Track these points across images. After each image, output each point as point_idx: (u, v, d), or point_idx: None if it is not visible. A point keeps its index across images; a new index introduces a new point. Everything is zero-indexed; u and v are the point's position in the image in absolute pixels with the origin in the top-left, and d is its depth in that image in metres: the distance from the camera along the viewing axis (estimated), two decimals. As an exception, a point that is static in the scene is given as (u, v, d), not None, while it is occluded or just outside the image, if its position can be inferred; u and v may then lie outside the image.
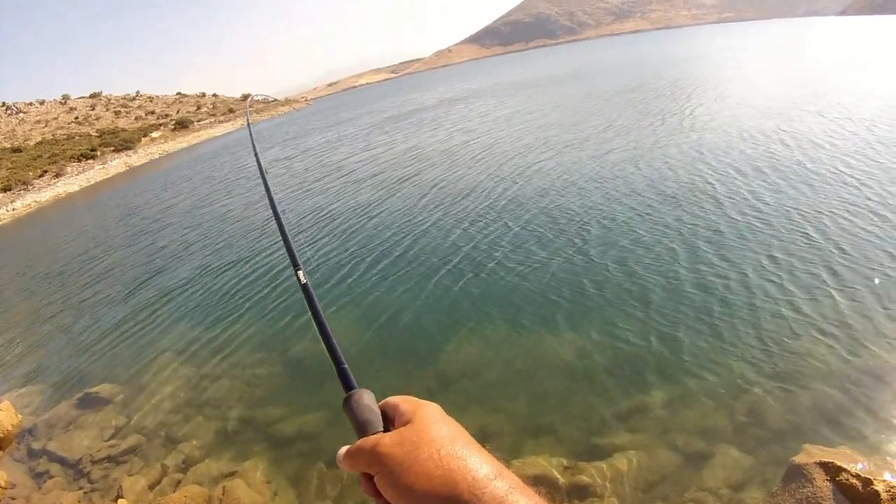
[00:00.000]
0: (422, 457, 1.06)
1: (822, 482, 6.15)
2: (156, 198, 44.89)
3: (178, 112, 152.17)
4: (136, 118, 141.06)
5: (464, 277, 14.71)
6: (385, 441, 1.13)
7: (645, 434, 8.37)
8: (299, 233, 22.12)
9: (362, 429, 1.23)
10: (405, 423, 1.17)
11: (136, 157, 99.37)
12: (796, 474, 6.43)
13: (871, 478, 5.98)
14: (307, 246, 20.20)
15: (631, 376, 9.66)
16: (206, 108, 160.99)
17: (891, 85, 32.35)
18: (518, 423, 9.25)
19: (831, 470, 6.20)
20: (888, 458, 6.82)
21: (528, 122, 40.18)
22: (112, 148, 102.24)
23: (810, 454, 6.65)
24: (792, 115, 27.03)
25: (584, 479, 7.67)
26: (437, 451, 1.07)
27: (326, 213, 25.11)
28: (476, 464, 1.05)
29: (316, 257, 18.75)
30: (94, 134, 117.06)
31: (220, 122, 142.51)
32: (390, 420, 1.24)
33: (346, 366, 1.47)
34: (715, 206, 15.91)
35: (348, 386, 1.40)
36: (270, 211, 2.78)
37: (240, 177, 44.56)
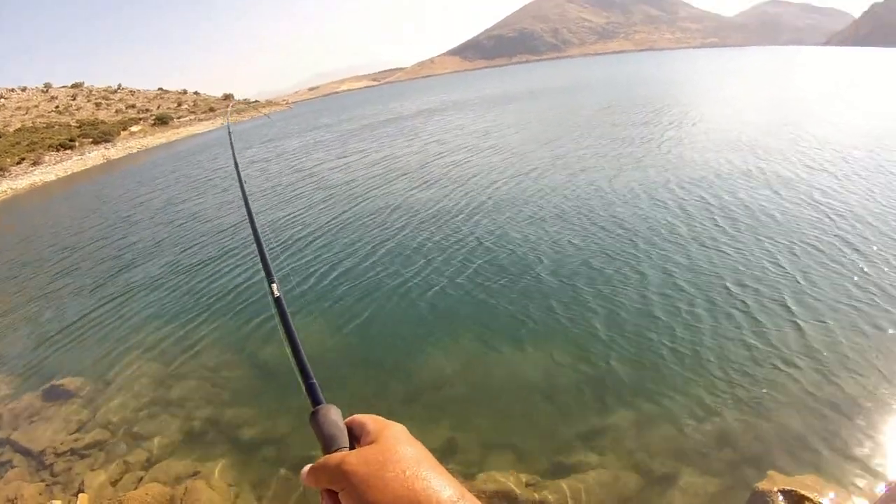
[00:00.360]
0: (387, 476, 1.07)
1: (784, 510, 6.20)
2: (131, 193, 44.51)
3: (158, 108, 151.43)
4: (116, 111, 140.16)
5: (432, 291, 14.72)
6: (351, 459, 1.13)
7: (609, 454, 8.38)
8: (268, 236, 22.04)
9: (328, 444, 1.25)
10: (371, 442, 1.19)
11: (115, 150, 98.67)
12: (759, 501, 6.47)
13: (834, 507, 6.04)
14: (275, 250, 20.16)
15: (596, 397, 9.71)
16: (186, 106, 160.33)
17: (865, 115, 32.98)
18: (482, 438, 9.24)
19: (794, 498, 6.24)
20: (850, 488, 6.87)
21: (503, 138, 40.42)
22: (91, 139, 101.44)
23: (774, 481, 6.69)
24: (764, 142, 27.59)
25: (547, 496, 7.67)
26: (402, 472, 1.08)
27: (296, 219, 25.15)
28: (440, 485, 1.06)
29: (284, 263, 18.71)
30: (73, 124, 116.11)
31: (201, 120, 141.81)
32: (356, 437, 1.25)
33: (314, 381, 1.48)
34: (684, 231, 16.08)
35: (316, 401, 1.41)
36: (244, 214, 2.78)
37: (215, 177, 44.39)
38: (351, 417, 1.32)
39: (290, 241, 21.37)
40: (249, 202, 2.97)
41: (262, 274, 2.11)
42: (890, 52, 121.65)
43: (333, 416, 1.31)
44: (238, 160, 3.62)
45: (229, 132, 4.95)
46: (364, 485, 1.07)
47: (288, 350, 1.61)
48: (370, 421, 1.26)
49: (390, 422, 1.26)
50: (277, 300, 1.86)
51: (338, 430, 1.26)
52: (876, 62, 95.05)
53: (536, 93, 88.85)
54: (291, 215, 26.04)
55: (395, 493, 1.03)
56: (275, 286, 1.95)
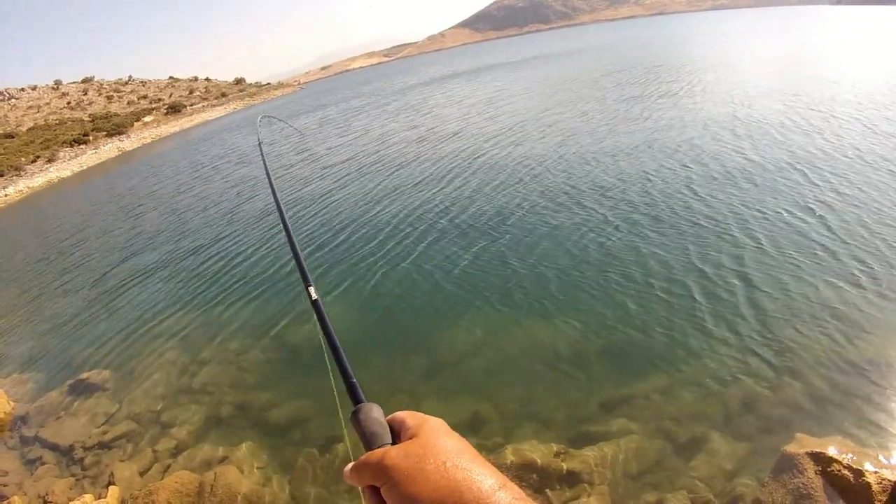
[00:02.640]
0: (428, 468, 1.07)
1: (812, 473, 6.15)
2: (147, 183, 44.66)
3: (170, 96, 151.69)
4: (128, 103, 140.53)
5: (449, 266, 14.73)
6: (391, 454, 1.14)
7: (636, 422, 8.38)
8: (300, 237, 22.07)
9: (370, 441, 1.24)
10: (411, 437, 1.19)
11: (129, 142, 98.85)
12: (787, 464, 6.43)
13: (863, 469, 5.99)
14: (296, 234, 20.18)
15: (622, 364, 9.69)
16: (198, 93, 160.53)
17: (869, 74, 32.77)
18: (509, 409, 9.27)
19: (822, 461, 6.20)
20: (880, 450, 6.80)
21: (505, 107, 40.40)
22: (104, 133, 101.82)
23: (802, 443, 6.65)
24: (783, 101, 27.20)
25: (575, 465, 7.69)
26: (442, 464, 1.08)
27: (312, 198, 25.17)
28: (481, 476, 1.06)
29: (304, 243, 18.72)
30: (86, 119, 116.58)
31: (213, 105, 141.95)
32: (397, 434, 1.25)
33: (354, 380, 1.47)
34: (707, 197, 15.88)
35: (356, 399, 1.40)
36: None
37: (234, 163, 44.11)
38: (392, 415, 1.32)
39: (308, 221, 21.41)
40: (283, 210, 2.95)
41: (296, 273, 2.17)
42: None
43: (375, 413, 1.31)
44: (273, 182, 3.56)
45: (261, 149, 4.96)
46: (406, 478, 1.08)
47: (326, 351, 1.63)
48: (409, 417, 1.26)
49: (430, 416, 1.26)
50: (315, 303, 1.86)
51: (380, 428, 1.27)
52: (879, 20, 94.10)
53: (538, 59, 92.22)
54: (310, 193, 26.11)
55: (437, 485, 1.04)
56: (312, 289, 1.94)
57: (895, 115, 21.91)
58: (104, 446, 10.75)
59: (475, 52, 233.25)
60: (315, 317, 1.78)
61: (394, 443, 1.22)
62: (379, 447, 1.21)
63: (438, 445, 1.13)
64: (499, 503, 1.00)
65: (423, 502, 1.03)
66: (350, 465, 1.21)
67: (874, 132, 19.94)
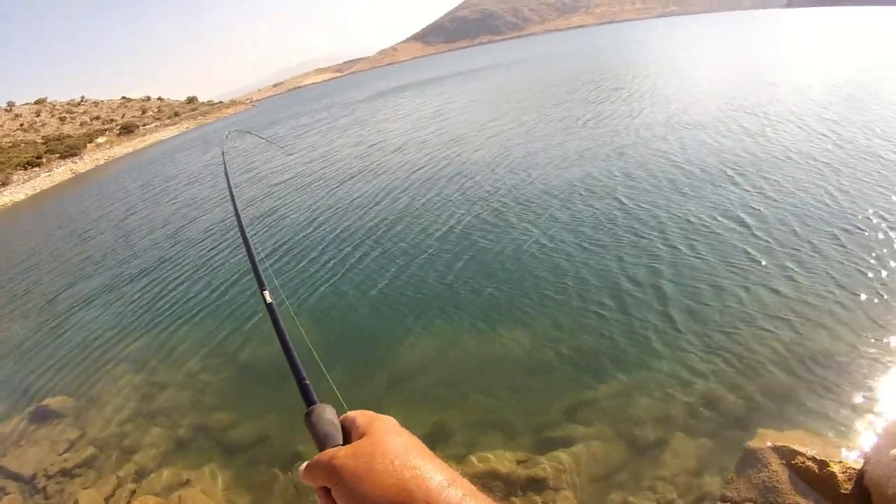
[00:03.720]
0: (376, 468, 1.06)
1: (777, 466, 6.20)
2: (98, 206, 44.16)
3: (123, 117, 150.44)
4: (81, 124, 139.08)
5: (413, 276, 14.77)
6: (340, 454, 1.12)
7: (598, 426, 8.42)
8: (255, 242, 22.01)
9: (322, 442, 1.23)
10: (361, 436, 1.17)
11: (82, 164, 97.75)
12: (752, 459, 6.47)
13: (827, 459, 6.05)
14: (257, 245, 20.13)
15: (579, 370, 9.76)
16: (151, 113, 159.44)
17: (809, 75, 33.65)
18: (471, 419, 9.27)
19: (786, 454, 6.25)
20: (841, 440, 6.90)
21: (451, 119, 40.51)
22: (58, 154, 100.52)
23: (765, 438, 6.70)
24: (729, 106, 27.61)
25: (539, 472, 7.69)
26: (391, 462, 1.07)
27: (274, 213, 25.07)
28: (430, 472, 1.05)
29: (266, 256, 18.68)
30: (39, 141, 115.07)
31: (166, 125, 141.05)
32: (348, 434, 1.24)
33: (307, 381, 1.47)
34: (662, 199, 16.18)
35: (309, 401, 1.40)
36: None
37: (184, 183, 43.82)
38: (344, 415, 1.31)
39: (268, 235, 21.26)
40: (240, 212, 2.97)
41: (252, 279, 2.15)
42: (855, 10, 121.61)
43: (328, 414, 1.31)
44: (231, 181, 3.56)
45: (224, 160, 4.99)
46: (354, 478, 1.06)
47: (282, 353, 1.61)
48: (360, 415, 1.26)
49: (380, 415, 1.26)
50: (269, 306, 1.87)
51: (332, 428, 1.26)
52: (827, 20, 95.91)
53: (487, 70, 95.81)
54: (271, 208, 25.95)
55: (385, 484, 1.03)
56: (266, 293, 1.97)
57: (829, 115, 22.80)
58: (67, 474, 10.56)
59: (427, 64, 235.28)
60: (270, 320, 1.79)
61: (346, 443, 1.21)
62: (331, 448, 1.20)
63: (387, 444, 1.12)
64: (448, 500, 1.00)
65: (373, 502, 1.02)
66: (304, 465, 1.19)
67: (806, 132, 20.72)
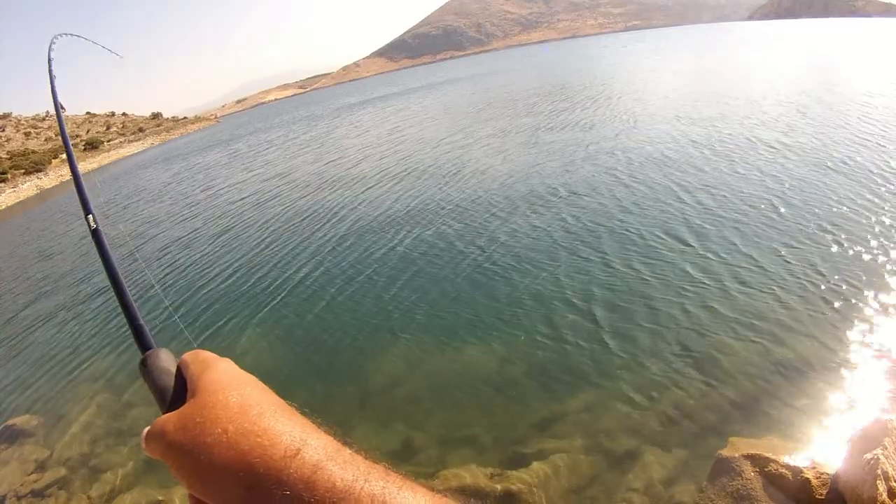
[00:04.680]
0: (208, 441, 0.87)
1: (751, 474, 6.22)
2: (65, 221, 43.80)
3: (87, 132, 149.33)
4: (46, 139, 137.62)
5: (378, 292, 14.70)
6: (169, 426, 0.94)
7: (569, 439, 8.37)
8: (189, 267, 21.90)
9: (160, 400, 1.09)
10: (193, 396, 0.99)
11: (48, 180, 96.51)
12: (725, 468, 6.50)
13: (801, 466, 6.11)
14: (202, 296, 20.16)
15: (550, 383, 9.70)
16: (115, 128, 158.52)
17: (762, 86, 34.20)
18: (440, 435, 9.20)
19: (759, 461, 6.29)
20: (813, 446, 6.91)
21: (410, 131, 40.55)
22: (23, 170, 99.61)
23: (737, 446, 6.72)
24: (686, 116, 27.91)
25: (512, 486, 7.61)
26: (223, 432, 0.88)
27: (211, 237, 24.84)
28: (273, 437, 0.86)
29: (226, 285, 18.68)
30: (4, 156, 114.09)
31: (130, 141, 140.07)
32: (184, 384, 1.06)
33: (142, 322, 1.29)
34: (626, 206, 16.34)
35: (145, 346, 1.23)
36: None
37: (145, 201, 43.59)
38: (181, 357, 1.12)
39: (231, 260, 21.10)
40: (65, 129, 2.69)
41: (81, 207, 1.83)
42: (812, 22, 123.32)
43: (164, 361, 1.16)
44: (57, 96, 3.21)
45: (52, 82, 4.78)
46: (186, 459, 0.89)
47: (112, 289, 1.45)
48: (192, 362, 1.08)
49: (215, 359, 1.07)
50: (95, 232, 1.66)
51: (168, 380, 1.10)
52: (784, 32, 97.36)
53: (447, 84, 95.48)
54: (231, 225, 25.54)
55: (222, 461, 0.84)
56: (91, 217, 1.73)
57: (779, 125, 23.46)
58: (37, 494, 10.33)
59: (390, 79, 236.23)
60: (96, 249, 1.62)
61: (180, 400, 1.02)
62: (164, 412, 1.03)
63: (218, 406, 0.93)
64: (301, 469, 0.81)
65: (211, 483, 0.85)
66: (144, 432, 0.99)
67: (754, 144, 21.13)
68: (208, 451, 0.86)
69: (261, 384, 1.03)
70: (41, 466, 11.22)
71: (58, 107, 2.88)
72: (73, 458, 11.17)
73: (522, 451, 8.37)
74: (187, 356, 1.09)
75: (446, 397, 10.10)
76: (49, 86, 3.01)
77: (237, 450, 0.85)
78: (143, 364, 1.15)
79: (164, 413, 1.03)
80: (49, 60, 4.15)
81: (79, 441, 11.65)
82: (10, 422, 12.74)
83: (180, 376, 1.08)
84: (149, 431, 0.98)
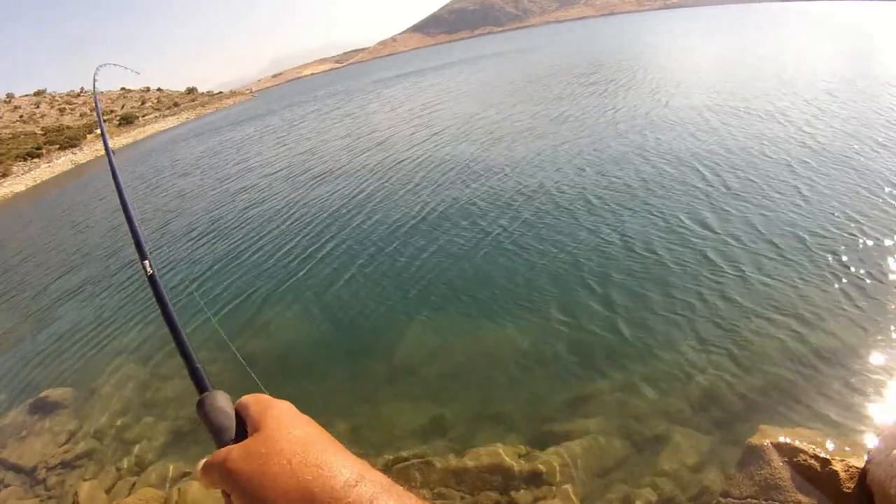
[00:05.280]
0: (272, 471, 0.97)
1: (779, 463, 6.17)
2: (103, 196, 44.05)
3: (122, 108, 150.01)
4: (80, 115, 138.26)
5: (410, 269, 14.68)
6: (233, 455, 1.03)
7: (599, 420, 8.37)
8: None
9: (217, 437, 1.16)
10: (255, 431, 1.08)
11: (82, 155, 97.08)
12: (753, 456, 6.45)
13: (829, 458, 6.02)
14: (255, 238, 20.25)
15: (580, 363, 9.69)
16: (150, 103, 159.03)
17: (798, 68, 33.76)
18: (471, 412, 9.23)
19: (788, 451, 6.23)
20: (844, 438, 6.82)
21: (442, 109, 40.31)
22: (58, 146, 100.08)
23: (766, 434, 6.66)
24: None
25: (540, 466, 7.64)
26: (287, 462, 0.97)
27: (244, 208, 24.98)
28: (334, 470, 0.96)
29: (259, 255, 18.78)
30: (39, 132, 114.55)
31: (165, 116, 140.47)
32: (244, 424, 1.15)
33: (199, 365, 1.40)
34: (666, 191, 16.12)
35: (202, 387, 1.33)
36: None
37: (182, 175, 43.91)
38: (238, 401, 1.22)
39: (267, 229, 21.29)
40: (118, 174, 2.77)
41: (135, 252, 1.91)
42: (854, 4, 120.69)
43: (221, 402, 1.23)
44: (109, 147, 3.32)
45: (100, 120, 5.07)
46: (250, 485, 0.98)
47: (169, 333, 1.52)
48: (253, 403, 1.17)
49: (275, 401, 1.17)
50: (151, 278, 1.73)
51: (226, 419, 1.18)
52: (825, 13, 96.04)
53: (486, 59, 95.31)
54: (242, 208, 25.89)
55: (284, 489, 0.94)
56: (147, 263, 1.79)
57: (812, 111, 22.84)
58: (67, 465, 10.53)
59: (426, 55, 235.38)
60: (153, 294, 1.67)
61: (242, 436, 1.12)
62: (225, 444, 1.12)
63: (282, 440, 1.02)
64: (359, 499, 0.90)
65: None
66: (200, 463, 1.10)
67: (785, 126, 20.89)
68: (273, 479, 0.96)
69: (318, 425, 1.13)
70: (72, 437, 11.43)
71: (103, 130, 3.19)
72: (103, 429, 11.37)
73: (551, 431, 8.41)
74: (247, 398, 1.19)
75: (476, 375, 10.11)
76: (95, 111, 3.65)
77: (300, 479, 0.94)
78: (201, 404, 1.23)
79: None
80: (94, 87, 4.91)
81: (109, 413, 11.84)
82: (43, 394, 12.96)
83: (239, 416, 1.18)
84: (208, 462, 1.08)
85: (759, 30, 79.03)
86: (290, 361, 12.09)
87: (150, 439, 10.65)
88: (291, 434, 1.04)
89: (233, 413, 1.19)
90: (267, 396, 1.19)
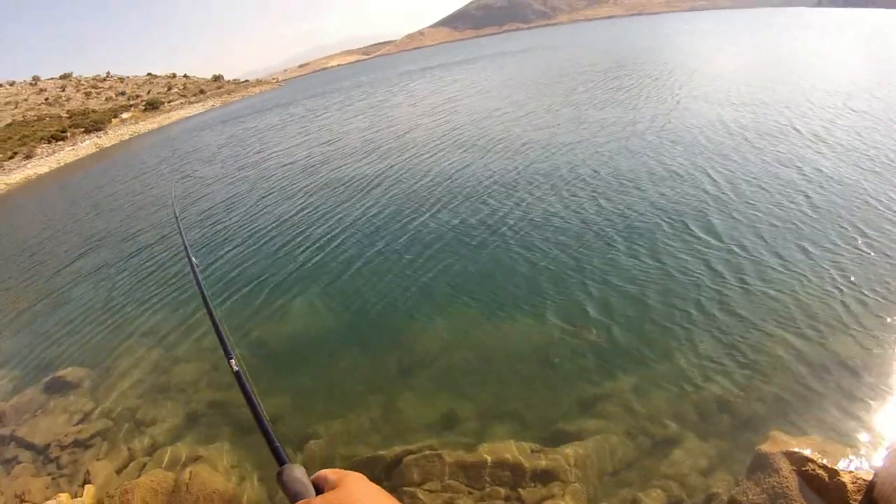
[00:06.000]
0: None
1: (787, 472, 6.17)
2: (124, 180, 44.28)
3: (148, 93, 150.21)
4: (106, 99, 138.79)
5: (427, 263, 14.70)
6: (315, 502, 1.24)
7: (611, 420, 8.41)
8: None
9: (293, 499, 1.32)
10: (333, 489, 1.27)
11: (107, 139, 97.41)
12: (762, 463, 6.45)
13: (838, 469, 6.02)
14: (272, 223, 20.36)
15: (594, 363, 9.73)
16: (176, 90, 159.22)
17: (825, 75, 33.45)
18: (485, 408, 9.28)
19: (797, 460, 6.22)
20: (854, 449, 6.80)
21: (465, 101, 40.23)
22: (82, 129, 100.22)
23: (777, 442, 6.66)
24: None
25: (550, 464, 7.69)
26: None
27: (264, 195, 25.17)
28: None
29: (280, 244, 18.85)
30: (64, 115, 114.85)
31: (191, 102, 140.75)
32: (320, 491, 1.32)
33: (278, 444, 1.57)
34: (680, 194, 16.07)
35: (280, 461, 1.50)
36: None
37: (202, 161, 44.08)
38: (315, 474, 1.38)
39: (284, 218, 21.43)
40: (199, 276, 3.01)
41: (218, 344, 2.23)
42: (885, 13, 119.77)
43: (297, 473, 1.40)
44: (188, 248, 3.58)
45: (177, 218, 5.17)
46: None
47: (253, 418, 1.71)
48: (331, 472, 1.34)
49: (350, 471, 1.33)
50: (237, 374, 1.95)
51: (302, 487, 1.36)
52: (855, 21, 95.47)
53: (511, 55, 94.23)
54: (263, 194, 26.00)
55: None
56: (233, 361, 2.03)
57: (828, 117, 22.66)
58: (80, 445, 10.67)
59: (452, 49, 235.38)
60: (238, 387, 1.88)
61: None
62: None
63: (356, 493, 1.22)
64: None
65: None
66: None
67: (799, 132, 20.86)
68: None
69: (384, 491, 1.30)
70: (86, 417, 11.61)
71: (193, 265, 3.34)
72: (116, 410, 11.55)
73: (564, 429, 8.47)
74: (326, 471, 1.37)
75: (491, 371, 10.16)
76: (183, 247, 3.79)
77: None
78: (280, 475, 1.42)
79: None
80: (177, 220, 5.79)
81: (123, 394, 12.04)
82: (59, 373, 13.14)
83: (316, 485, 1.35)
84: None
85: (786, 35, 78.58)
86: (303, 350, 12.21)
87: (163, 421, 10.79)
88: (364, 491, 1.24)
89: (308, 482, 1.37)
90: (342, 469, 1.36)
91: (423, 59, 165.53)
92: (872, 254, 11.28)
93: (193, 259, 3.38)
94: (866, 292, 10.04)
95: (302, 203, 23.12)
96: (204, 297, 2.67)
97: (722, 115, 25.37)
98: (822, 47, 55.69)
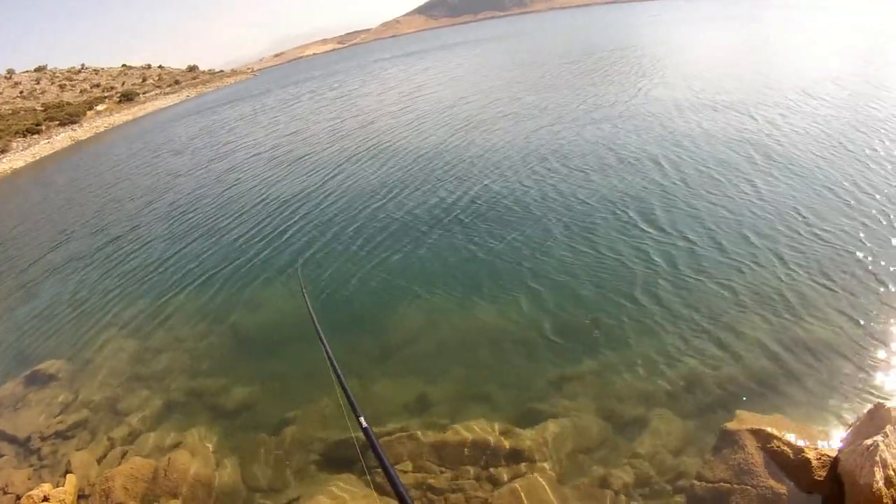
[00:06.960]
0: None
1: (753, 449, 6.31)
2: (97, 172, 44.02)
3: (123, 84, 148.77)
4: (81, 91, 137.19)
5: (400, 249, 14.85)
6: None
7: (580, 401, 8.54)
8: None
9: None
10: None
11: (82, 131, 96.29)
12: (729, 441, 6.58)
13: (802, 446, 6.17)
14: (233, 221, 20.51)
15: (566, 345, 9.86)
16: (151, 81, 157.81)
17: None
18: (456, 390, 9.41)
19: (762, 437, 6.36)
20: (818, 426, 6.99)
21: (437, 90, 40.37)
22: (57, 122, 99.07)
23: (743, 420, 6.79)
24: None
25: (521, 443, 7.82)
26: None
27: (265, 186, 25.24)
28: None
29: (256, 229, 19.02)
30: (39, 108, 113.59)
31: (166, 93, 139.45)
32: None
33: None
34: (647, 176, 16.34)
35: None
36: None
37: (175, 153, 43.74)
38: None
39: (266, 212, 21.57)
40: (329, 350, 3.17)
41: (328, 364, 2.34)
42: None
43: None
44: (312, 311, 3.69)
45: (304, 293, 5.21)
46: None
47: (385, 477, 1.89)
48: None
49: None
50: (366, 430, 2.19)
51: None
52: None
53: (487, 41, 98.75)
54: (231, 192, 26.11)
55: None
56: (362, 419, 2.24)
57: (814, 104, 22.41)
58: (61, 436, 10.71)
59: (427, 37, 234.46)
60: (370, 446, 2.09)
61: None
62: None
63: None
64: None
65: None
66: None
67: (770, 121, 20.60)
68: None
69: None
70: (65, 409, 11.64)
71: (323, 341, 3.85)
72: (96, 401, 11.58)
73: (535, 410, 8.61)
74: None
75: (463, 355, 10.28)
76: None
77: None
78: None
79: None
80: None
81: (102, 385, 12.06)
82: (39, 366, 13.10)
83: None
84: None
85: (769, 20, 78.56)
86: (276, 338, 12.27)
87: (142, 410, 10.84)
88: None
89: None
90: None
91: (398, 48, 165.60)
92: (844, 244, 11.30)
93: (322, 334, 3.47)
94: (834, 279, 10.15)
95: (265, 194, 23.39)
96: (332, 363, 3.05)
97: (681, 100, 25.54)
98: (806, 28, 55.51)
